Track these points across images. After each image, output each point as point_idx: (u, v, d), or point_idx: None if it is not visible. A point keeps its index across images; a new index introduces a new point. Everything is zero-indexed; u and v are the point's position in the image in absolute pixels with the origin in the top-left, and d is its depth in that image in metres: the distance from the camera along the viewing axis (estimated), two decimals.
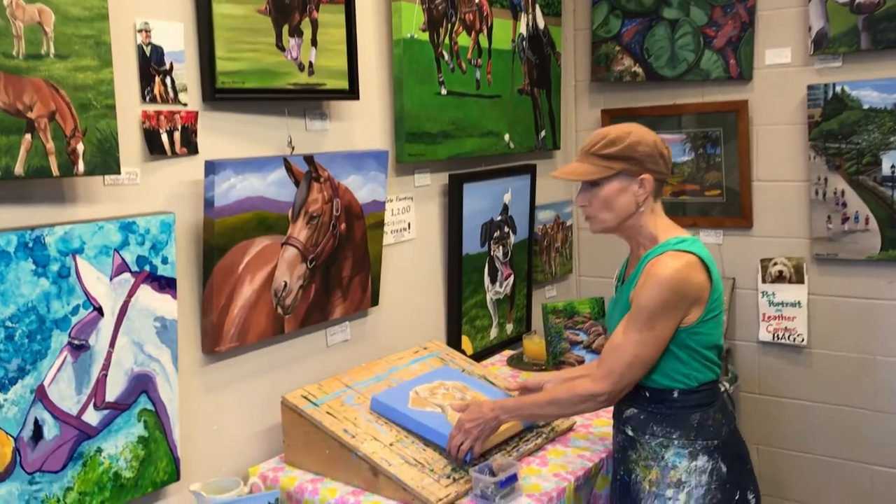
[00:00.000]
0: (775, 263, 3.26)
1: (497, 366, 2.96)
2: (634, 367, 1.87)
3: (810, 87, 3.03)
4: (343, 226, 2.34)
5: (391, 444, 2.04)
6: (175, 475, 1.97)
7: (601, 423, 2.39)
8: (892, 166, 2.93)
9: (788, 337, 3.24)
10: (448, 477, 1.97)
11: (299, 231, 2.21)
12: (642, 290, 1.84)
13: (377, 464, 1.97)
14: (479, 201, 2.95)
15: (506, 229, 3.13)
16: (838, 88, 2.98)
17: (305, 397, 2.15)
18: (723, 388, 2.01)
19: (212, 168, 1.97)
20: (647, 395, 1.93)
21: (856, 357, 3.09)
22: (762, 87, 3.18)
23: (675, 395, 1.90)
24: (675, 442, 1.89)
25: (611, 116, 3.49)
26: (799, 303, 3.21)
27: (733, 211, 3.32)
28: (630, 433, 1.95)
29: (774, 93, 3.16)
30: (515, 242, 3.19)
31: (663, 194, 1.99)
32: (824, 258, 3.11)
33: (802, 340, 3.19)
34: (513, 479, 1.93)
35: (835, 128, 3.00)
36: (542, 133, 3.32)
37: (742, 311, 3.33)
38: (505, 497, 1.91)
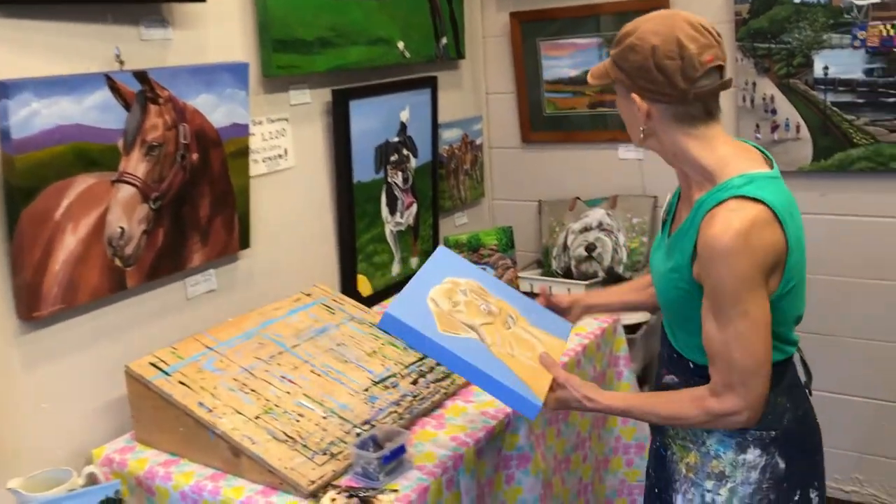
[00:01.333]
0: None
1: None
2: (757, 368, 1.40)
3: None
4: (195, 156, 1.95)
5: (257, 417, 1.72)
6: None
7: None
8: (825, 67, 2.65)
9: None
10: (324, 453, 1.67)
11: (135, 165, 1.82)
12: (709, 269, 1.38)
13: (238, 443, 1.65)
14: (371, 120, 2.57)
15: (404, 152, 2.77)
16: None
17: (154, 365, 1.80)
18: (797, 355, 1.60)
19: (4, 91, 1.55)
20: (692, 366, 1.54)
21: None
22: None
23: None
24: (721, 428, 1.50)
25: (520, 20, 3.12)
26: None
27: None
28: None
29: None
30: (417, 166, 2.84)
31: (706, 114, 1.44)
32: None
33: None
34: (400, 451, 1.64)
35: (764, 25, 2.69)
36: (444, 40, 2.93)
37: None
38: (391, 473, 1.62)
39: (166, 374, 1.78)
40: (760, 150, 1.52)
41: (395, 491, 1.58)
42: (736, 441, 1.50)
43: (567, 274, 3.08)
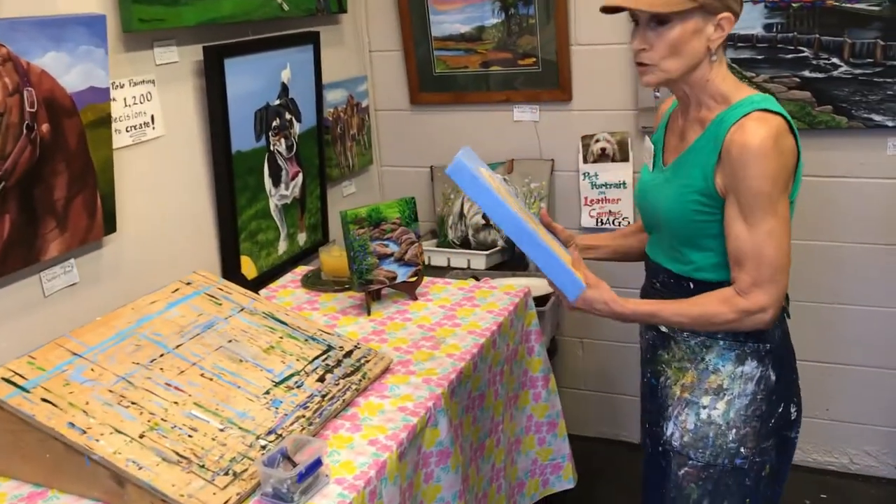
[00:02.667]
0: (597, 140, 2.89)
1: (290, 289, 2.40)
2: (785, 264, 1.51)
3: None
4: (45, 127, 1.63)
5: (142, 436, 1.46)
6: None
7: (422, 355, 1.93)
8: None
9: (613, 221, 2.93)
10: (226, 473, 1.43)
11: None
12: (743, 172, 1.47)
13: (121, 468, 1.38)
14: (249, 81, 2.29)
15: (287, 116, 2.50)
16: None
17: (8, 380, 1.49)
18: None
19: None
20: (692, 286, 1.63)
21: None
22: None
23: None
24: (721, 342, 1.61)
25: None
26: (624, 183, 2.88)
27: (550, 82, 2.88)
28: (664, 329, 1.69)
29: None
30: (301, 132, 2.58)
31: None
32: (651, 131, 2.77)
33: (629, 224, 2.89)
34: (316, 465, 1.43)
35: None
36: None
37: (562, 195, 2.97)
38: (307, 491, 1.41)
39: (24, 390, 1.48)
40: None
41: None
42: (735, 353, 1.61)
43: (465, 244, 2.92)
